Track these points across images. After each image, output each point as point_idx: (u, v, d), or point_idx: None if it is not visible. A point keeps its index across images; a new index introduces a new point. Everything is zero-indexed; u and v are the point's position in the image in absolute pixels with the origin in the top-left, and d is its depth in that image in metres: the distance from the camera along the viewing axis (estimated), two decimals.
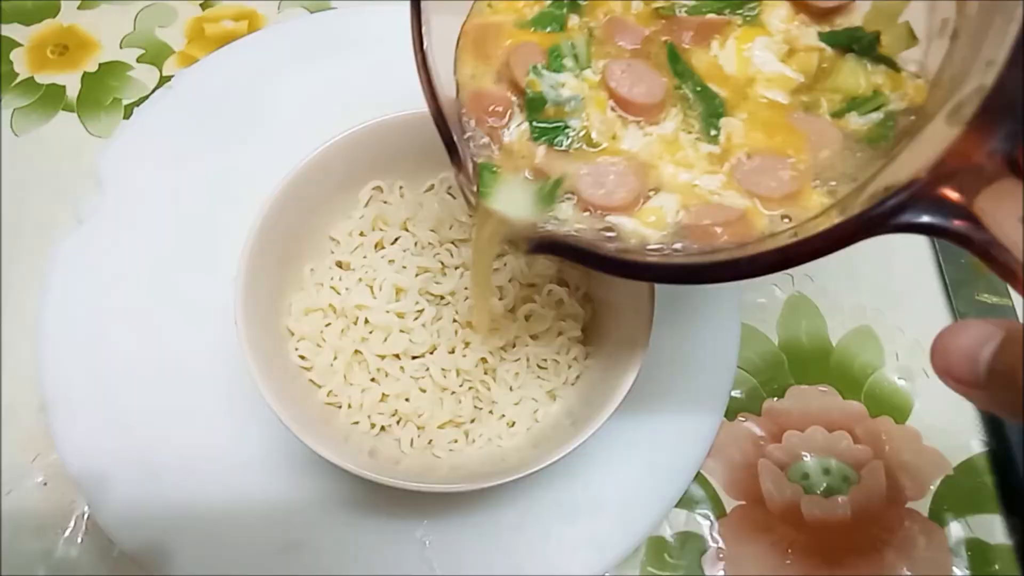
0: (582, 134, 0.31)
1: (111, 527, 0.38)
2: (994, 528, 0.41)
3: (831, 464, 0.42)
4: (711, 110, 0.30)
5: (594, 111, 0.31)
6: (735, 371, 0.43)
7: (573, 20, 0.32)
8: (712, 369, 0.43)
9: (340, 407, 0.38)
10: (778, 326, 0.46)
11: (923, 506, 0.41)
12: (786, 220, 0.28)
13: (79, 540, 0.40)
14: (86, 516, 0.41)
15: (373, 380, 0.39)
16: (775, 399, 0.44)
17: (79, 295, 0.44)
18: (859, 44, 0.30)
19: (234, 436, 0.40)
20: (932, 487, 0.42)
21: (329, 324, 0.40)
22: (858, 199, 0.26)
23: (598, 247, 0.28)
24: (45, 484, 0.41)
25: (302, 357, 0.39)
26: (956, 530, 0.40)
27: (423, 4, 0.29)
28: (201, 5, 0.58)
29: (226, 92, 0.50)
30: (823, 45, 0.31)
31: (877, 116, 0.30)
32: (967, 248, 0.22)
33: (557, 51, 0.32)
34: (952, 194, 0.22)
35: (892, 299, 0.47)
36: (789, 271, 0.47)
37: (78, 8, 0.58)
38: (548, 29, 0.32)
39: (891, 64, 0.30)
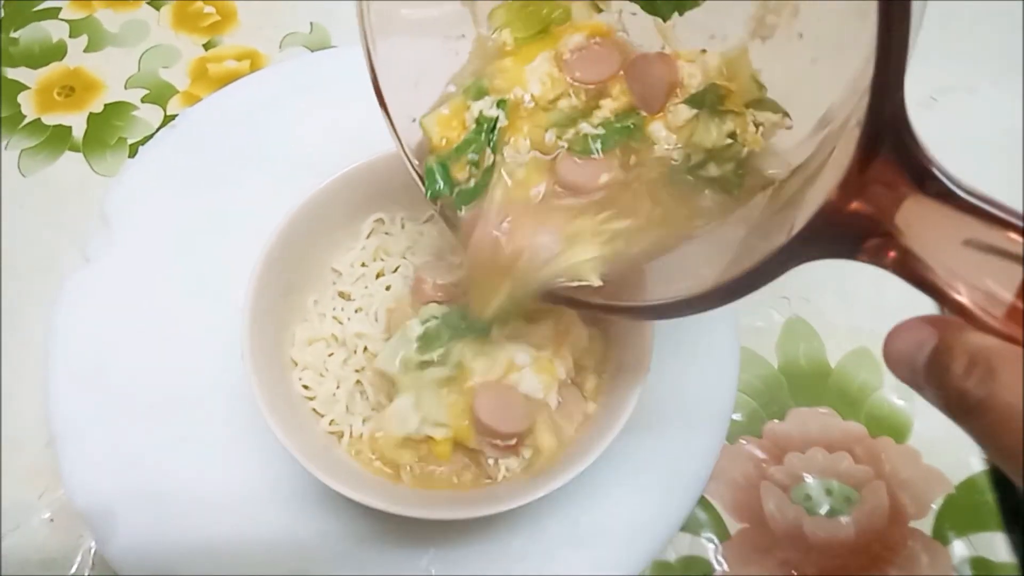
0: None
1: (118, 562, 0.38)
2: (997, 546, 0.41)
3: (833, 485, 0.42)
4: None
5: None
6: (735, 394, 0.43)
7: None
8: (712, 393, 0.43)
9: (342, 436, 0.39)
10: (777, 349, 0.47)
11: (926, 525, 0.41)
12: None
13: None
14: (93, 551, 0.41)
15: (375, 410, 0.39)
16: (776, 421, 0.44)
17: (86, 331, 0.44)
18: (706, 104, 0.33)
19: (240, 468, 0.40)
20: (934, 506, 0.42)
21: (332, 354, 0.40)
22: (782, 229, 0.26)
23: (589, 297, 0.32)
24: (52, 520, 0.42)
25: (305, 387, 0.39)
26: (960, 548, 0.41)
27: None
28: (204, 45, 0.60)
29: (229, 130, 0.51)
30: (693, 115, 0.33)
31: (730, 166, 0.32)
32: (880, 265, 0.22)
33: None
34: (864, 208, 0.22)
35: (888, 319, 0.46)
36: (786, 295, 0.48)
37: (84, 51, 0.60)
38: (471, 151, 0.34)
39: (738, 114, 0.32)
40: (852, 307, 0.48)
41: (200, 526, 0.39)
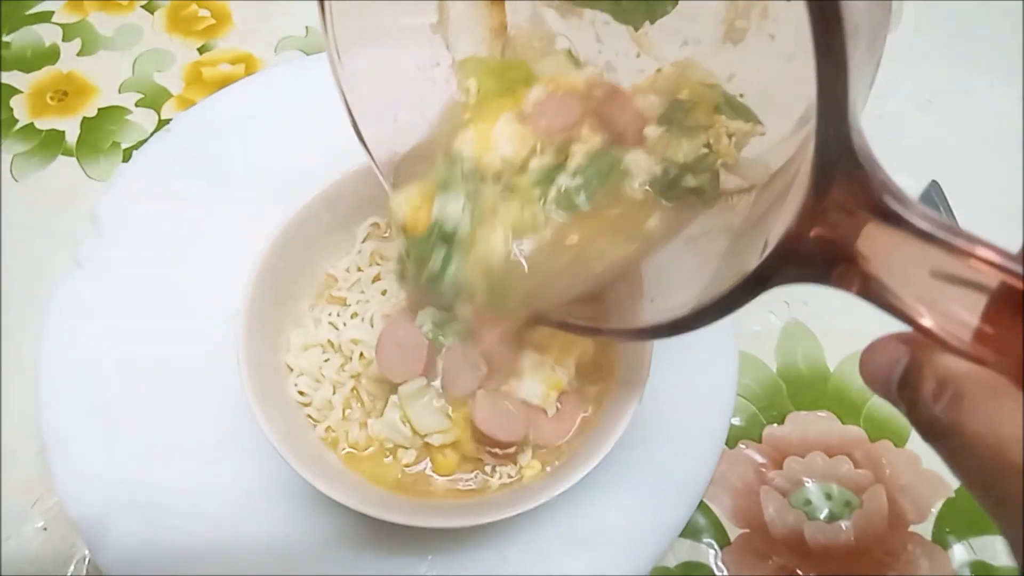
0: None
1: (112, 570, 0.38)
2: (997, 549, 0.40)
3: (833, 489, 0.42)
4: None
5: None
6: (734, 398, 0.43)
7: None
8: (711, 397, 0.43)
9: (338, 443, 0.38)
10: (775, 352, 0.47)
11: (925, 529, 0.41)
12: None
13: None
14: (87, 560, 0.40)
15: (371, 416, 0.39)
16: (775, 426, 0.44)
17: (78, 337, 0.44)
18: (674, 121, 0.33)
19: (234, 475, 0.40)
20: (934, 510, 0.42)
21: (328, 360, 0.40)
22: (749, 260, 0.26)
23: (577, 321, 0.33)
24: (45, 529, 0.41)
25: (301, 393, 0.39)
26: (959, 552, 0.40)
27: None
28: (198, 49, 0.60)
29: (224, 134, 0.51)
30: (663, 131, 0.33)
31: (706, 176, 0.32)
32: (848, 291, 0.22)
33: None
34: (825, 234, 0.21)
35: (887, 322, 0.47)
36: (784, 299, 0.48)
37: (77, 55, 0.59)
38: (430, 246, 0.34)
39: (707, 127, 0.32)
40: (850, 310, 0.46)
41: (195, 533, 0.39)
